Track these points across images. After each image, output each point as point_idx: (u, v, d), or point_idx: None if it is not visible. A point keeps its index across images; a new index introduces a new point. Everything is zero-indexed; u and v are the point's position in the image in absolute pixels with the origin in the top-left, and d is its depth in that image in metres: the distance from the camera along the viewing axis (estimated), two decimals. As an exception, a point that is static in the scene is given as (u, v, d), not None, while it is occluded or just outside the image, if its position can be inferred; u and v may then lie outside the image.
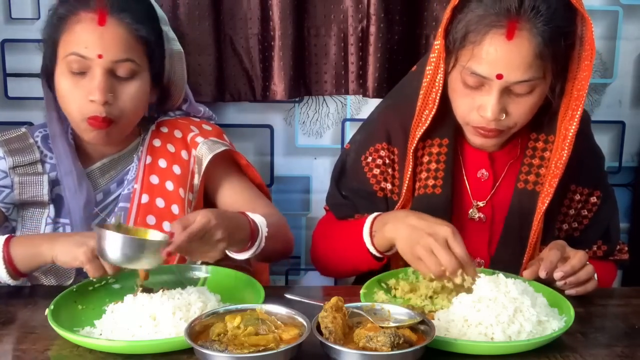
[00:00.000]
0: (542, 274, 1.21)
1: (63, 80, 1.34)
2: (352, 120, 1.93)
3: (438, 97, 1.33)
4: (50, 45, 1.36)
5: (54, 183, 1.42)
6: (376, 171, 1.48)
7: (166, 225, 1.41)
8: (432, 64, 1.34)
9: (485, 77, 1.25)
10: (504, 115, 1.28)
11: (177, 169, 1.46)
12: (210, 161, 1.45)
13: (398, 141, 1.45)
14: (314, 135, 1.96)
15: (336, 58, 1.88)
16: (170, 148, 1.48)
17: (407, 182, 1.41)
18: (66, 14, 1.33)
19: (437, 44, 1.32)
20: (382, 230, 1.31)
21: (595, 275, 1.27)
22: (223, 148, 1.48)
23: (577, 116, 1.31)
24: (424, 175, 1.42)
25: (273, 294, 1.20)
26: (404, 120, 1.42)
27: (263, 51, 1.85)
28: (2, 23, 1.85)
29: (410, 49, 1.86)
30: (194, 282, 1.30)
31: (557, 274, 1.21)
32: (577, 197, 1.45)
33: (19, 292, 1.29)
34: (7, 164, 1.39)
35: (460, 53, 1.28)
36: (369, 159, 1.48)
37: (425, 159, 1.42)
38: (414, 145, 1.39)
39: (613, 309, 1.26)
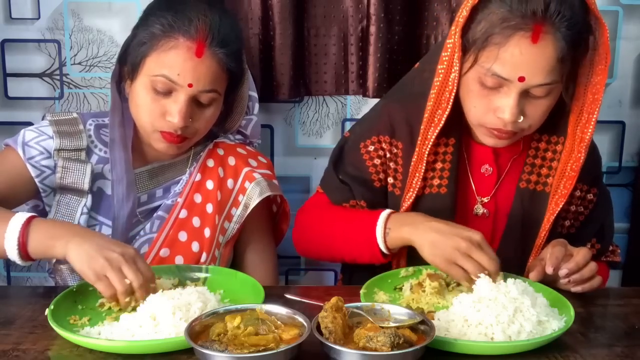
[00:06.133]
0: (549, 270, 1.22)
1: (143, 94, 1.35)
2: (352, 120, 1.93)
3: (452, 97, 1.32)
4: (133, 57, 1.36)
5: (96, 175, 1.42)
6: (377, 161, 1.47)
7: (195, 246, 1.42)
8: (445, 63, 1.33)
9: (506, 79, 1.24)
10: (522, 117, 1.28)
11: (219, 195, 1.47)
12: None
13: (402, 136, 1.44)
14: (314, 135, 1.96)
15: (336, 58, 1.88)
16: (220, 172, 1.48)
17: (416, 182, 1.40)
18: (161, 34, 1.33)
19: (450, 42, 1.30)
20: (400, 231, 1.31)
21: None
22: (274, 193, 1.50)
23: (594, 120, 1.32)
24: (429, 174, 1.41)
25: (273, 294, 1.20)
26: (409, 117, 1.42)
27: (263, 51, 1.85)
28: (2, 23, 1.85)
29: (410, 49, 1.86)
30: (194, 282, 1.30)
31: (562, 272, 1.22)
32: (577, 193, 1.46)
33: (19, 292, 1.29)
34: (54, 145, 1.38)
35: (481, 54, 1.26)
36: (370, 148, 1.47)
37: (431, 158, 1.41)
38: (428, 147, 1.37)
39: (613, 309, 1.26)
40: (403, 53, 1.85)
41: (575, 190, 1.45)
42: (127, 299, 1.13)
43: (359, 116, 1.91)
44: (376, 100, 1.73)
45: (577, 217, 1.48)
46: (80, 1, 1.82)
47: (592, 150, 1.49)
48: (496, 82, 1.26)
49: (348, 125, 1.93)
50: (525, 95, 1.27)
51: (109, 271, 1.12)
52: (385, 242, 1.33)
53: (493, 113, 1.29)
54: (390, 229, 1.33)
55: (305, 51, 1.88)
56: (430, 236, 1.25)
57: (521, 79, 1.23)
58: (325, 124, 1.95)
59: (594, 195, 1.47)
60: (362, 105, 1.93)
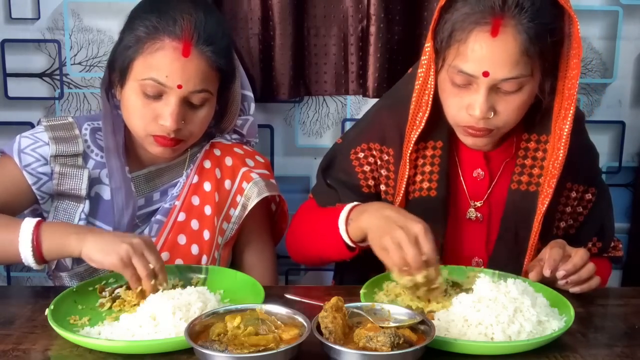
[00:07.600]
0: (547, 272, 1.21)
1: (133, 99, 1.34)
2: (352, 120, 1.93)
3: (431, 99, 1.33)
4: (121, 62, 1.35)
5: (93, 180, 1.41)
6: (366, 168, 1.47)
7: (194, 249, 1.42)
8: (424, 66, 1.34)
9: (471, 75, 1.25)
10: (492, 113, 1.28)
11: (217, 196, 1.46)
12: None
13: (393, 142, 1.44)
14: (314, 135, 1.96)
15: (336, 58, 1.88)
16: (218, 173, 1.48)
17: (403, 185, 1.40)
18: (146, 36, 1.31)
19: (428, 46, 1.32)
20: (358, 220, 1.29)
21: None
22: (272, 193, 1.49)
23: (570, 115, 1.30)
24: (418, 178, 1.42)
25: (273, 294, 1.20)
26: (399, 122, 1.42)
27: (263, 51, 1.85)
28: (2, 23, 1.85)
29: (410, 49, 1.86)
30: (194, 282, 1.30)
31: (559, 273, 1.22)
32: (573, 194, 1.45)
33: (19, 292, 1.29)
34: (50, 151, 1.37)
35: (448, 52, 1.27)
36: (360, 155, 1.47)
37: (420, 161, 1.41)
38: (410, 149, 1.38)
39: (613, 309, 1.26)
40: (403, 53, 1.85)
41: (571, 191, 1.44)
42: (153, 282, 1.15)
43: (359, 116, 1.91)
44: (376, 100, 1.73)
45: (576, 218, 1.48)
46: (80, 1, 1.82)
47: (588, 151, 1.49)
48: (464, 79, 1.27)
49: (348, 125, 1.93)
50: (495, 91, 1.27)
51: (134, 256, 1.14)
52: (348, 233, 1.31)
53: (465, 111, 1.29)
54: (352, 219, 1.31)
55: (305, 51, 1.88)
56: (376, 222, 1.23)
57: (485, 74, 1.23)
58: (325, 124, 1.95)
59: (592, 195, 1.47)
60: (362, 105, 1.93)
